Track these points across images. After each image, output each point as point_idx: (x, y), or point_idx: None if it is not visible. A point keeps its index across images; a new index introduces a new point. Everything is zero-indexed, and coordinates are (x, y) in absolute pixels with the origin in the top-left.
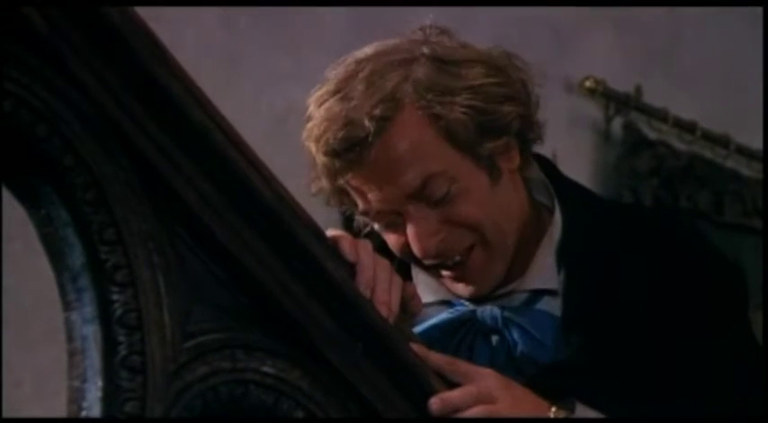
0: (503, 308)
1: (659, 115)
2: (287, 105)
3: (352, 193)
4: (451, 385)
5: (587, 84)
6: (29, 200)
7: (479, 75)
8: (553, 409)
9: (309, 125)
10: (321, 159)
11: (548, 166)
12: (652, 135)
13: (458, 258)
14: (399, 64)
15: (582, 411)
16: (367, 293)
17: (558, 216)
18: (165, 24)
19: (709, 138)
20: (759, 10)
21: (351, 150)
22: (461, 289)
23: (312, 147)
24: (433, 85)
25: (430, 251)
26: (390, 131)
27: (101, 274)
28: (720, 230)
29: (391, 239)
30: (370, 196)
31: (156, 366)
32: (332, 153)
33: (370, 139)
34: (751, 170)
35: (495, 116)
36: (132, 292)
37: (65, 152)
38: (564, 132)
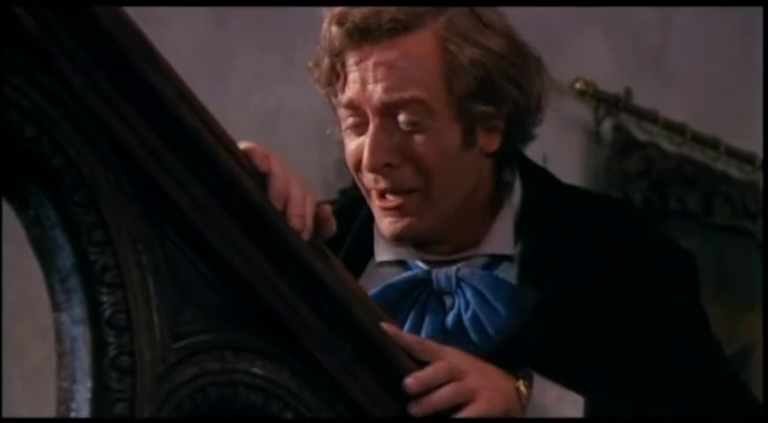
0: (458, 269)
1: (649, 117)
2: (277, 106)
3: (342, 76)
4: (421, 365)
5: (577, 85)
6: (17, 201)
7: (500, 45)
8: (520, 382)
9: (335, 8)
10: (332, 30)
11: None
12: (642, 137)
13: (394, 188)
14: (441, 7)
15: (539, 382)
16: (279, 205)
17: (518, 186)
18: (154, 25)
19: (698, 140)
20: (749, 12)
21: (361, 30)
22: (386, 225)
23: (330, 19)
24: (459, 27)
25: (376, 167)
26: (403, 40)
27: (90, 276)
28: (709, 232)
29: (351, 143)
30: (354, 85)
31: (146, 367)
32: (344, 24)
33: (382, 32)
34: (741, 172)
35: (494, 85)
36: (121, 294)
37: (54, 153)
38: (554, 134)
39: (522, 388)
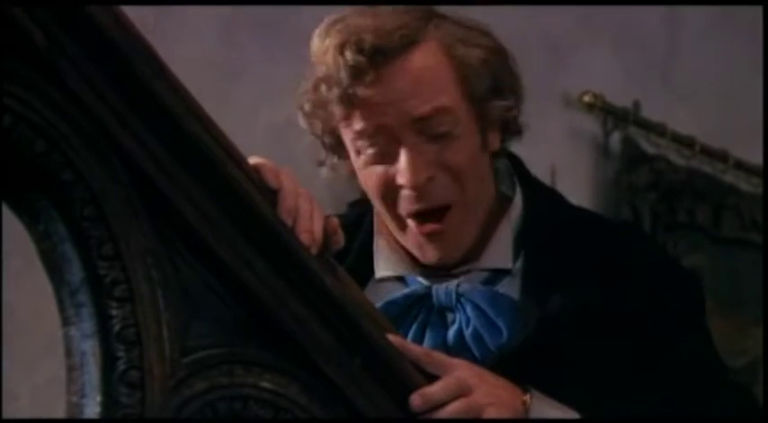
0: (458, 285)
1: (658, 130)
2: (286, 119)
3: (358, 108)
4: (429, 377)
5: (586, 98)
6: (27, 215)
7: (490, 41)
8: (527, 396)
9: (330, 33)
10: (346, 59)
11: (513, 158)
12: (650, 150)
13: (435, 205)
14: (420, 10)
15: (538, 398)
16: (289, 221)
17: (518, 200)
18: (163, 39)
19: (707, 152)
20: (758, 24)
21: (380, 49)
22: (431, 252)
23: (332, 52)
24: (453, 32)
25: (419, 183)
26: (415, 53)
27: (99, 290)
28: (718, 244)
29: (377, 171)
30: (378, 110)
31: (155, 382)
32: (362, 48)
33: (397, 50)
34: (749, 185)
35: (503, 79)
36: (131, 308)
37: (63, 167)
38: (562, 147)
39: (529, 401)
